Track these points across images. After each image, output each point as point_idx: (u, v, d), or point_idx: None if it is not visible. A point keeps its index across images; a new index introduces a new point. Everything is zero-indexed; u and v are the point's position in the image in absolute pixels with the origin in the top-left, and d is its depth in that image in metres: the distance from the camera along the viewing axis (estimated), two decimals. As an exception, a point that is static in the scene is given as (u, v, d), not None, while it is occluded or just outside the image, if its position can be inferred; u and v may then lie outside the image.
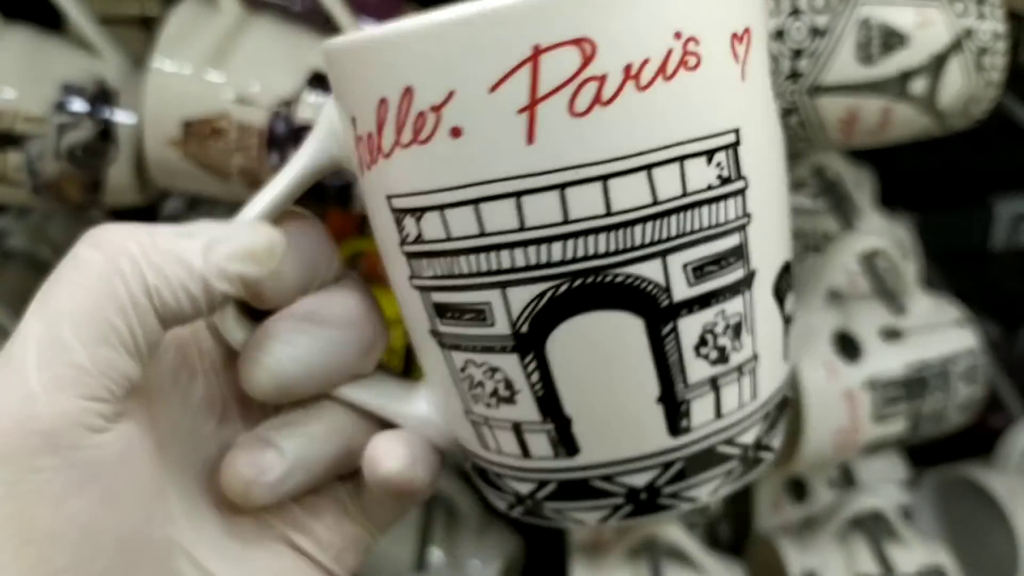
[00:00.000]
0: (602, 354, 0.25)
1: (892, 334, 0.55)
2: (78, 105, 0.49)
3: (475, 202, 0.24)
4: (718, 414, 0.26)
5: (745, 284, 0.26)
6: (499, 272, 0.24)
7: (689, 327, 0.25)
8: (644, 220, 0.24)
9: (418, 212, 0.25)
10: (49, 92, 0.49)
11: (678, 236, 0.24)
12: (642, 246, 0.24)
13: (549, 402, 0.26)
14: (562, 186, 0.23)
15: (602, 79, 0.22)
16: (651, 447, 0.26)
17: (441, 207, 0.24)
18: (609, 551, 0.64)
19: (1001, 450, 0.67)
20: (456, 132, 0.23)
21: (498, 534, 0.73)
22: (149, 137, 0.45)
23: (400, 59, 0.23)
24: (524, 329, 0.25)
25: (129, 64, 0.51)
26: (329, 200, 0.48)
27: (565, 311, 0.24)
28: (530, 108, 0.23)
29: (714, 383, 0.26)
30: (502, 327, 0.25)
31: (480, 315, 0.25)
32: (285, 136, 0.45)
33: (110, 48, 0.50)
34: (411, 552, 0.69)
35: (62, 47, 0.51)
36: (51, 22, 0.53)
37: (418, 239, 0.25)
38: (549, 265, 0.24)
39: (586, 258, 0.24)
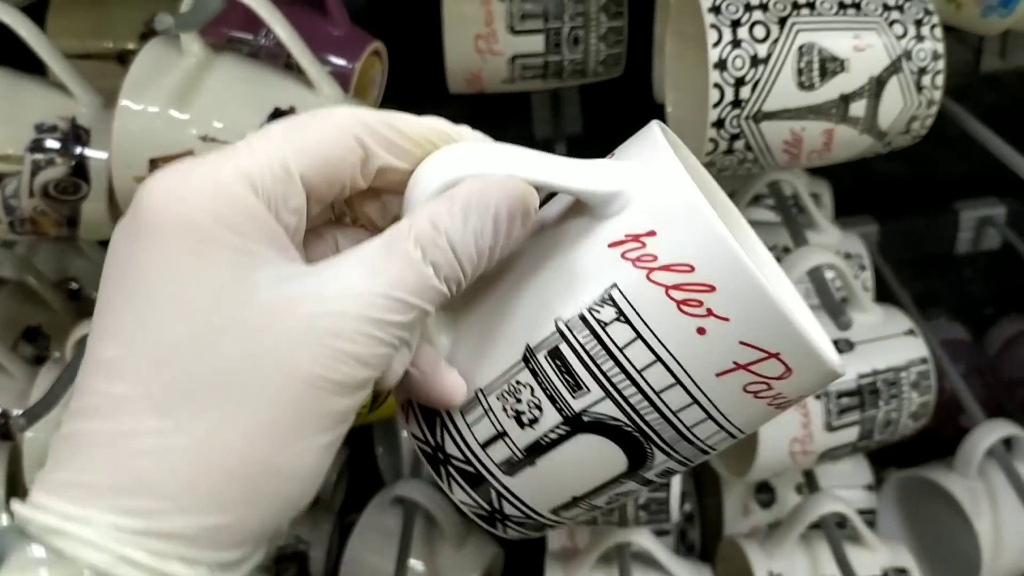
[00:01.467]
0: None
1: (844, 345, 0.56)
2: (52, 143, 0.50)
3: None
4: None
5: None
6: None
7: None
8: None
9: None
10: (24, 132, 0.50)
11: None
12: None
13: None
14: None
15: None
16: None
17: None
18: (582, 558, 0.65)
19: (962, 453, 0.68)
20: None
21: (477, 544, 0.74)
22: (117, 175, 0.46)
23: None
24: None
25: (101, 103, 0.52)
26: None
27: None
28: None
29: None
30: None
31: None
32: (248, 171, 0.46)
33: (82, 88, 0.51)
34: (391, 563, 0.70)
35: (37, 88, 0.52)
36: (31, 64, 0.54)
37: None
38: None
39: None
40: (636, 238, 0.28)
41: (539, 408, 0.29)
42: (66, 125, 0.51)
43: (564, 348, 0.29)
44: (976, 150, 0.97)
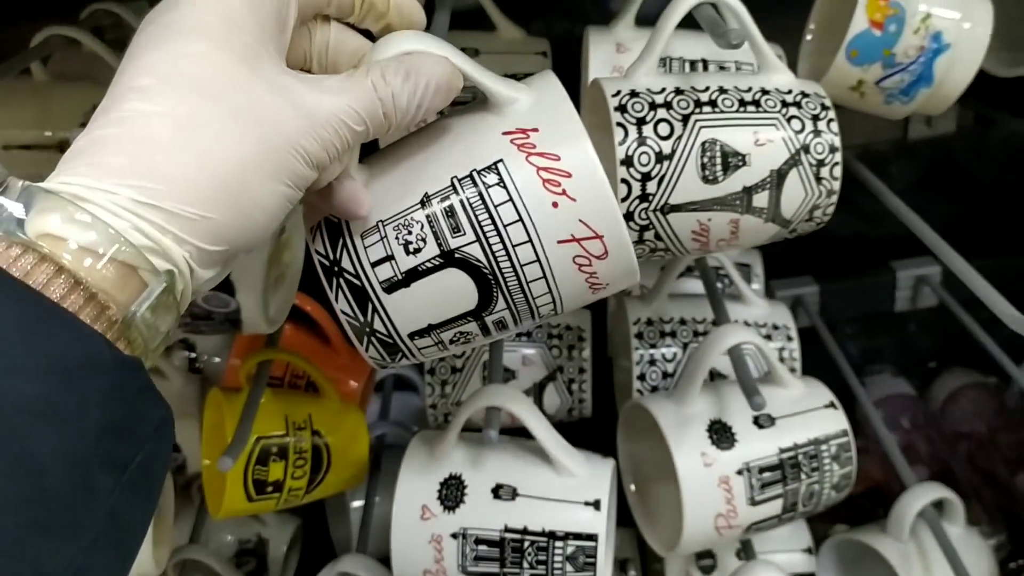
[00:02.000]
0: None
1: (765, 420, 0.57)
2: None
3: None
4: None
5: None
6: None
7: None
8: None
9: None
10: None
11: None
12: None
13: None
14: None
15: None
16: None
17: None
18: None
19: (894, 516, 0.69)
20: None
21: None
22: None
23: None
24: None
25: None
26: (218, 326, 0.50)
27: None
28: None
29: None
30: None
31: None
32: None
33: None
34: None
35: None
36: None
37: None
38: None
39: None
40: (523, 131, 0.38)
41: (424, 241, 0.37)
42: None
43: (453, 198, 0.37)
44: (914, 209, 1.00)
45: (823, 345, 0.87)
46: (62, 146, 0.68)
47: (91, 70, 0.70)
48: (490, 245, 0.37)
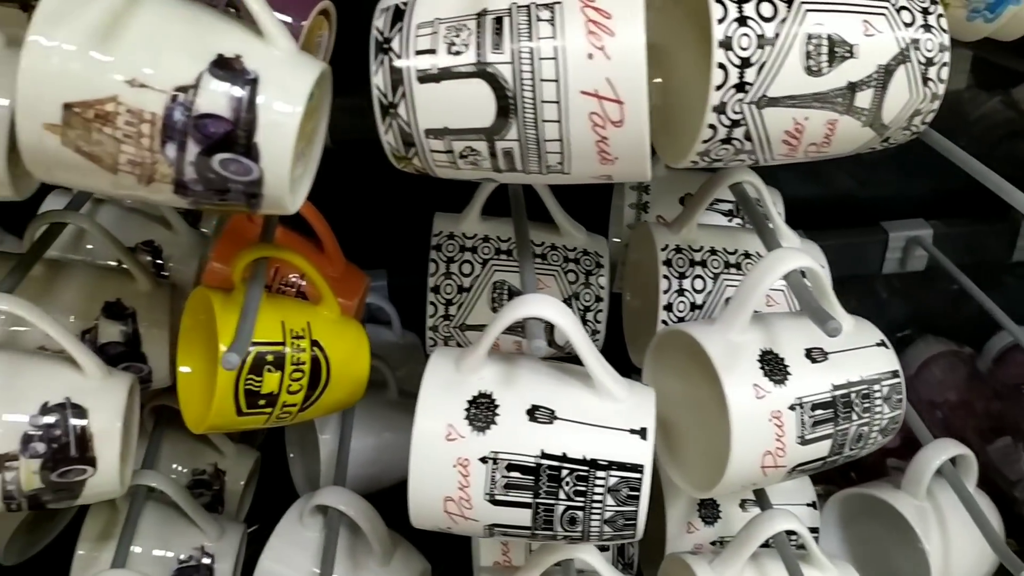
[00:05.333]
0: None
1: (818, 355, 0.51)
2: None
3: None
4: None
5: None
6: None
7: None
8: None
9: None
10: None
11: None
12: None
13: None
14: None
15: None
16: None
17: None
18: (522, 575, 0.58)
19: (912, 472, 0.64)
20: None
21: (403, 560, 0.66)
22: (22, 120, 0.38)
23: None
24: None
25: (3, 42, 0.43)
26: (233, 200, 0.41)
27: None
28: None
29: None
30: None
31: None
32: (184, 126, 0.38)
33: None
34: (311, 580, 0.62)
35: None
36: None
37: None
38: None
39: None
40: None
41: (466, 47, 0.39)
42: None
43: (505, 20, 0.39)
44: (904, 171, 0.96)
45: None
46: (25, 3, 0.57)
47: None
48: (521, 71, 0.39)
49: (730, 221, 0.69)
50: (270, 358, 0.51)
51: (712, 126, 0.42)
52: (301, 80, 0.40)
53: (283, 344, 0.52)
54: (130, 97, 0.38)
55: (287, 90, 0.39)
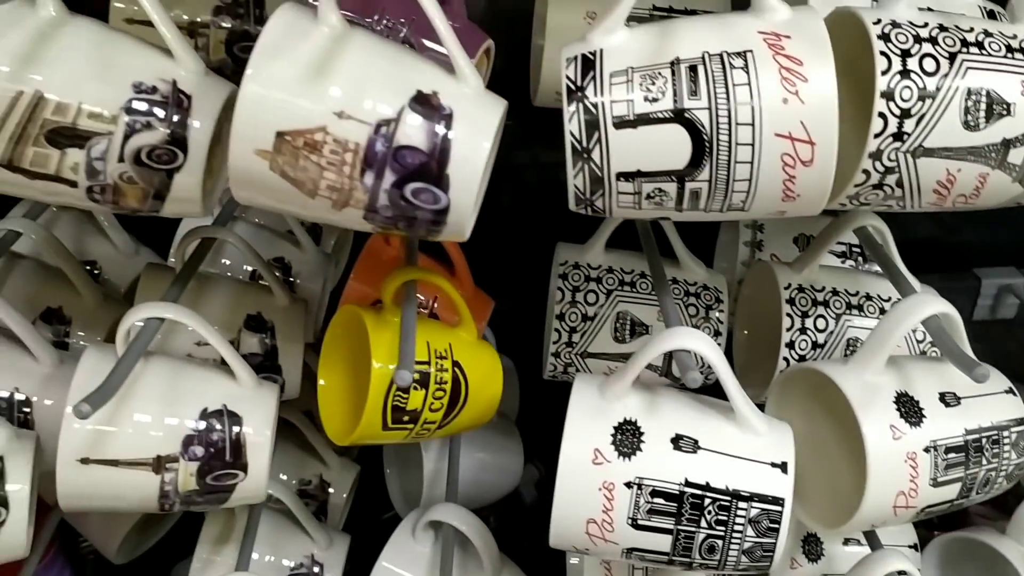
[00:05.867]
0: None
1: (951, 399, 0.53)
2: (150, 106, 0.44)
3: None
4: None
5: None
6: None
7: None
8: None
9: None
10: (119, 91, 0.44)
11: None
12: None
13: None
14: None
15: None
16: None
17: None
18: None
19: (1017, 519, 0.65)
20: None
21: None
22: (236, 145, 0.41)
23: None
24: None
25: (203, 69, 0.46)
26: (416, 226, 0.44)
27: None
28: None
29: None
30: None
31: None
32: (383, 156, 0.41)
33: (186, 51, 0.46)
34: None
35: (133, 46, 0.46)
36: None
37: None
38: None
39: None
40: (777, 35, 0.42)
41: (663, 94, 0.42)
42: (167, 88, 0.45)
43: (700, 68, 0.42)
44: (999, 219, 0.96)
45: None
46: (192, 29, 0.61)
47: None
48: (718, 115, 0.41)
49: (843, 263, 0.71)
50: (416, 376, 0.54)
51: (866, 171, 0.44)
52: (490, 116, 0.42)
53: (428, 364, 0.54)
54: (337, 128, 0.40)
55: (478, 125, 0.42)
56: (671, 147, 0.42)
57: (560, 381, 0.68)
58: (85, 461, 0.51)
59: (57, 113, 0.43)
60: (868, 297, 0.62)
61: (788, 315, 0.61)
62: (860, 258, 0.70)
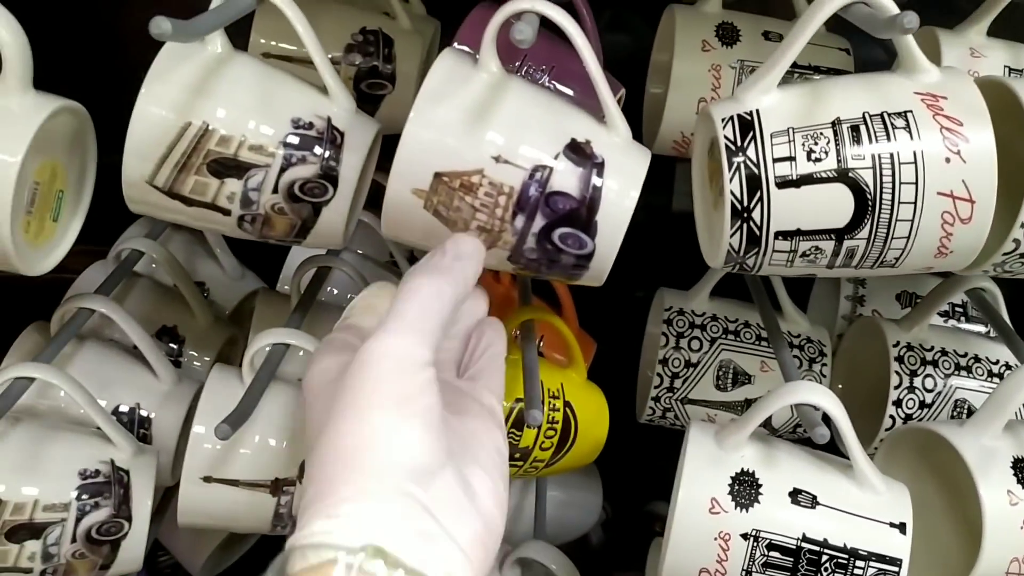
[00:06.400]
0: None
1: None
2: (307, 141, 0.46)
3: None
4: None
5: None
6: None
7: None
8: None
9: None
10: (279, 125, 0.46)
11: None
12: None
13: None
14: None
15: None
16: None
17: None
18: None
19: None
20: None
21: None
22: (395, 183, 0.42)
23: None
24: None
25: (354, 106, 0.48)
26: (557, 270, 0.45)
27: None
28: None
29: None
30: None
31: None
32: (536, 201, 0.42)
33: (341, 89, 0.47)
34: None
35: (291, 83, 0.48)
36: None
37: None
38: None
39: None
40: (934, 96, 0.43)
41: (826, 153, 0.42)
42: (322, 124, 0.46)
43: (862, 126, 0.43)
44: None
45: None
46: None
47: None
48: (881, 175, 0.42)
49: (946, 322, 0.71)
50: (531, 414, 0.54)
51: (1016, 240, 0.44)
52: (638, 165, 0.44)
53: (543, 403, 0.55)
54: (494, 171, 0.42)
55: (628, 175, 0.43)
56: (834, 206, 0.42)
57: (643, 424, 0.68)
58: (208, 479, 0.53)
59: (221, 144, 0.45)
60: (977, 359, 0.62)
61: (896, 372, 0.61)
62: (963, 317, 0.70)
